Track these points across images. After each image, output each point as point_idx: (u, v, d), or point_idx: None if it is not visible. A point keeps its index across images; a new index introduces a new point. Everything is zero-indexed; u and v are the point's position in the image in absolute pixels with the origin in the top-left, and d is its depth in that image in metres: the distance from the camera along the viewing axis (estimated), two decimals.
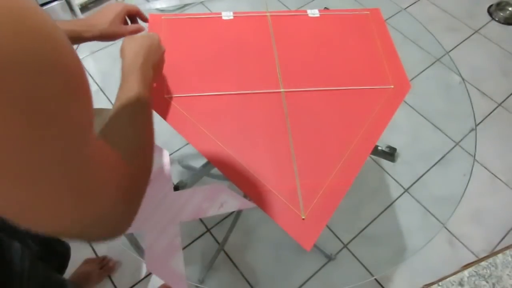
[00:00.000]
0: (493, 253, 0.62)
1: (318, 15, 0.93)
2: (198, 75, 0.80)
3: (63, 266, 0.86)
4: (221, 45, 0.85)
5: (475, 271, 0.59)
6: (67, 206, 0.27)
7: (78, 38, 0.66)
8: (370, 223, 1.29)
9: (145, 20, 0.78)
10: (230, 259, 1.21)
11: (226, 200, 0.66)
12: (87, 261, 1.19)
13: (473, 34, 1.87)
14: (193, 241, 1.23)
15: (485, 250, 1.30)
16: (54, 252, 0.83)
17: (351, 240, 1.26)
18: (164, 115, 0.73)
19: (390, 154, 1.21)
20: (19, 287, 0.57)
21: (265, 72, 0.82)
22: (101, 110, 1.01)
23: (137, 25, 0.76)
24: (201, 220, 1.27)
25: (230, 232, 1.17)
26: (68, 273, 1.11)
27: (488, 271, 0.59)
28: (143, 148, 0.43)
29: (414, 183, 1.39)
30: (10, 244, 0.59)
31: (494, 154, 1.49)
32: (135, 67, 0.54)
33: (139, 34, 0.65)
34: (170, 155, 0.70)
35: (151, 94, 0.54)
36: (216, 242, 1.24)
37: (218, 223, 1.27)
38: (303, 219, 0.63)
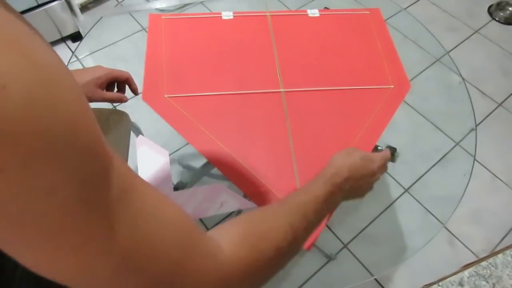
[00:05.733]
0: (493, 253, 0.61)
1: (318, 15, 0.93)
2: (198, 75, 0.80)
3: None
4: (221, 45, 0.85)
5: (475, 271, 0.59)
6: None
7: None
8: (370, 223, 1.29)
9: (134, 90, 0.73)
10: None
11: (226, 200, 0.66)
12: None
13: (473, 34, 1.87)
14: None
15: (485, 250, 1.30)
16: None
17: (351, 240, 1.26)
18: (164, 115, 0.73)
19: (390, 154, 1.21)
20: (12, 273, 0.57)
21: (265, 72, 0.82)
22: (101, 110, 1.01)
23: (118, 94, 0.70)
24: (201, 220, 1.27)
25: None
26: None
27: (488, 271, 0.59)
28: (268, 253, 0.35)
29: (414, 183, 1.39)
30: None
31: (494, 154, 1.49)
32: (327, 183, 0.48)
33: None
34: (170, 155, 0.70)
35: (324, 216, 0.46)
36: None
37: (218, 223, 1.27)
38: None
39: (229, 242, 0.32)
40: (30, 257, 0.21)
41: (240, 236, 0.33)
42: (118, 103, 0.72)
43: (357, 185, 0.53)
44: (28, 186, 0.17)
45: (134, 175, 0.24)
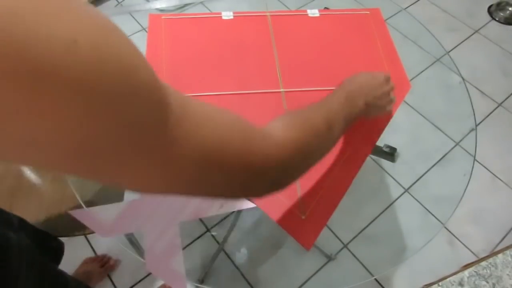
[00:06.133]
0: (493, 253, 0.61)
1: (318, 15, 0.93)
2: (198, 75, 0.80)
3: (56, 261, 0.86)
4: (221, 45, 0.85)
5: (475, 271, 0.59)
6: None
7: None
8: (370, 223, 1.29)
9: None
10: (230, 259, 1.21)
11: (226, 200, 0.66)
12: (87, 261, 1.19)
13: (473, 34, 1.87)
14: (193, 241, 1.23)
15: (485, 250, 1.30)
16: (48, 246, 0.83)
17: (351, 240, 1.26)
18: None
19: (390, 154, 1.21)
20: (17, 272, 0.57)
21: (265, 72, 0.82)
22: None
23: None
24: (201, 220, 1.27)
25: (230, 232, 1.17)
26: (69, 273, 1.11)
27: (488, 271, 0.59)
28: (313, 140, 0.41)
29: (414, 183, 1.39)
30: (6, 232, 0.59)
31: (494, 154, 1.49)
32: (344, 89, 0.54)
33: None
34: None
35: (347, 125, 0.51)
36: (216, 242, 1.24)
37: (218, 223, 1.27)
38: (303, 219, 0.63)
39: (279, 128, 0.37)
40: (126, 178, 0.25)
41: (286, 124, 0.39)
42: None
43: (371, 94, 0.58)
44: (110, 122, 0.20)
45: (181, 92, 0.28)
